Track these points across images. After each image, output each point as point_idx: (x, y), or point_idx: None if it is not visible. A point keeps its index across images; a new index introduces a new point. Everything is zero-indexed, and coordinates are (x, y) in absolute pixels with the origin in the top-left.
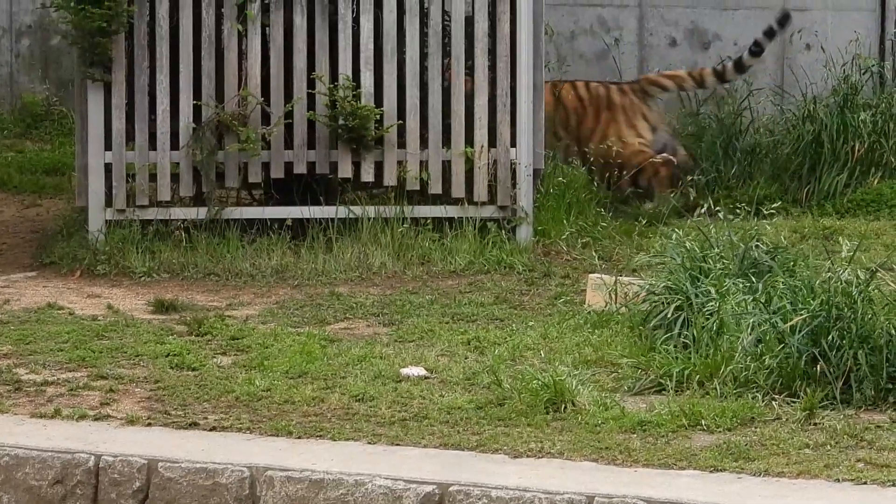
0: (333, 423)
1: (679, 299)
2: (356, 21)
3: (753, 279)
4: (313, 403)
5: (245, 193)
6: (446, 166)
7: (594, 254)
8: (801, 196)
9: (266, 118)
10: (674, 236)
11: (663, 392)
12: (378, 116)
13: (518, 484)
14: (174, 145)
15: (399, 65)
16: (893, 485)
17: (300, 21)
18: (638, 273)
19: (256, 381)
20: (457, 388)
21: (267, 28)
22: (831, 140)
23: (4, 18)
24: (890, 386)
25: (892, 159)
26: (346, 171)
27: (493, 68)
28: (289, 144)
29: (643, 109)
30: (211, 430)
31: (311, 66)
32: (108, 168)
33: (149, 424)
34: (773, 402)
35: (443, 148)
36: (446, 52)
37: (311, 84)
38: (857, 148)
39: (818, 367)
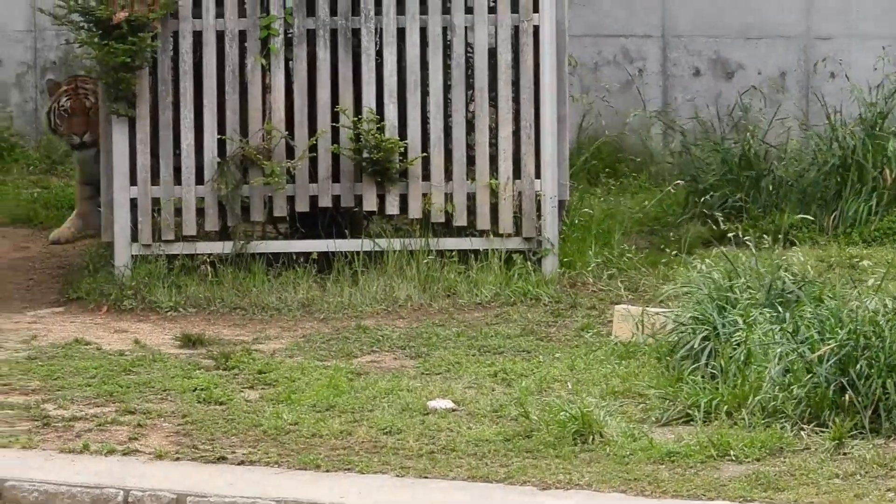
0: (361, 456)
1: (706, 329)
2: (379, 54)
3: (780, 309)
4: (341, 437)
5: (270, 227)
6: (471, 198)
7: (620, 285)
8: (827, 224)
9: (290, 152)
10: (700, 266)
11: (691, 423)
12: (402, 149)
13: None
14: (199, 180)
15: (423, 97)
16: None
17: (323, 54)
18: (664, 304)
19: (284, 414)
20: (484, 420)
21: (290, 62)
22: (858, 167)
23: (29, 55)
24: None
25: None
26: (370, 203)
27: (516, 100)
28: (313, 178)
29: None
30: (239, 464)
31: (334, 99)
32: (133, 203)
33: (177, 459)
34: (802, 432)
35: (467, 180)
36: (470, 85)
37: (334, 117)
38: (885, 175)
39: (846, 396)
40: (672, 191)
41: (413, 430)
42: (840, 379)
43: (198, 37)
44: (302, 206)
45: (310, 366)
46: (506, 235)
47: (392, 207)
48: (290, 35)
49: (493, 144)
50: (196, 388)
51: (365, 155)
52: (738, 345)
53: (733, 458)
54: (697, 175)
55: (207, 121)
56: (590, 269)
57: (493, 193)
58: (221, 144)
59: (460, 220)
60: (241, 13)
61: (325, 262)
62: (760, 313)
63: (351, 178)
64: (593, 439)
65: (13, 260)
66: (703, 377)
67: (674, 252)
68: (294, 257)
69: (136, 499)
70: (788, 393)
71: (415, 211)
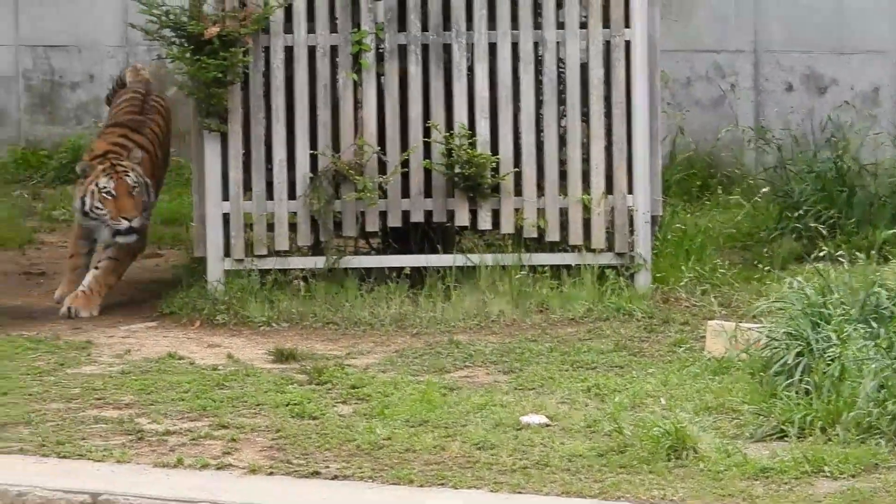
0: (455, 472)
1: (800, 345)
2: (471, 69)
3: (875, 325)
4: (434, 451)
5: (363, 242)
6: (563, 213)
7: (713, 300)
8: None
9: (382, 167)
10: (793, 282)
11: (785, 438)
12: (494, 164)
13: None
14: (291, 195)
15: (514, 112)
16: None
17: (415, 70)
18: (757, 319)
19: (377, 429)
20: (578, 435)
21: (382, 77)
22: None
23: (121, 70)
24: None
25: None
26: (463, 218)
27: (608, 115)
28: (405, 193)
29: None
30: (333, 478)
31: (426, 114)
32: (225, 218)
33: (271, 473)
34: None
35: (560, 195)
36: (561, 100)
37: (426, 132)
38: None
39: None
40: (759, 200)
41: (506, 445)
42: None
43: (289, 52)
44: (394, 221)
45: (403, 380)
46: (598, 251)
47: (484, 222)
48: (381, 50)
49: (585, 160)
50: (289, 403)
51: (457, 170)
52: (832, 360)
53: (828, 474)
54: (790, 191)
55: (299, 136)
56: (682, 284)
57: (586, 209)
58: (313, 159)
59: (553, 235)
60: (333, 28)
61: (417, 276)
62: (854, 329)
63: (443, 193)
64: (687, 455)
65: None
66: (796, 393)
67: (767, 267)
68: (386, 272)
69: None
70: (883, 409)
71: (507, 226)
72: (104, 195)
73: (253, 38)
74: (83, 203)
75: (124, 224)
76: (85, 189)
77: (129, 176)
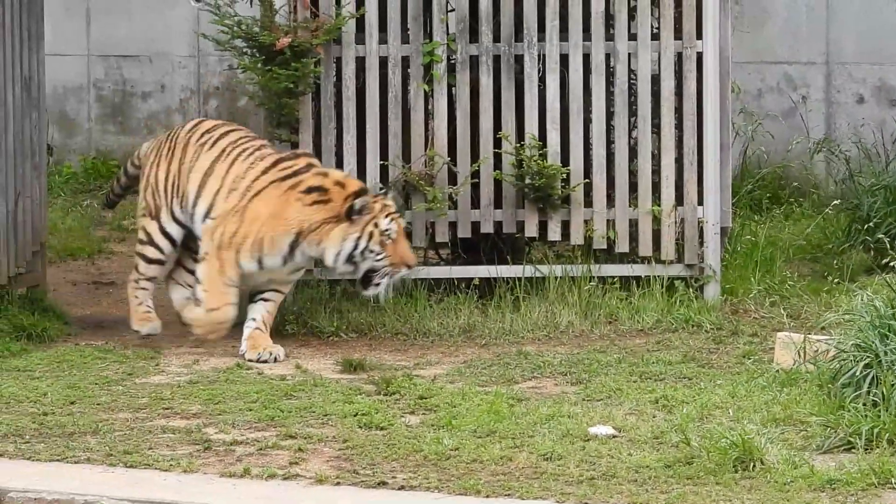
0: (521, 482)
1: (868, 357)
2: (542, 80)
3: None
4: (501, 462)
5: (432, 252)
6: (633, 224)
7: (782, 312)
8: None
9: (452, 178)
10: (862, 294)
11: (853, 450)
12: (564, 175)
13: None
14: None
15: (585, 124)
16: None
17: (486, 81)
18: (826, 331)
19: (444, 439)
20: (645, 446)
21: (453, 88)
22: None
23: (193, 80)
24: None
25: None
26: (532, 229)
27: (679, 127)
28: (475, 204)
29: None
30: (399, 489)
31: (496, 125)
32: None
33: (337, 483)
34: None
35: (629, 206)
36: (632, 111)
37: (497, 143)
38: None
39: None
40: (830, 212)
41: (573, 456)
42: None
43: (360, 62)
44: (464, 231)
45: (471, 391)
46: (668, 262)
47: (554, 233)
48: (452, 61)
49: (655, 171)
50: (357, 413)
51: (527, 181)
52: None
53: (895, 486)
54: (860, 203)
55: (370, 146)
56: (752, 296)
57: (656, 220)
58: (384, 170)
59: (622, 246)
60: (404, 39)
61: (486, 287)
62: None
63: (513, 203)
64: (754, 466)
65: None
66: (864, 405)
67: (836, 279)
68: (455, 283)
69: None
70: None
71: (577, 237)
72: (384, 238)
73: (324, 49)
74: (356, 245)
75: (404, 271)
76: (361, 229)
77: (402, 217)
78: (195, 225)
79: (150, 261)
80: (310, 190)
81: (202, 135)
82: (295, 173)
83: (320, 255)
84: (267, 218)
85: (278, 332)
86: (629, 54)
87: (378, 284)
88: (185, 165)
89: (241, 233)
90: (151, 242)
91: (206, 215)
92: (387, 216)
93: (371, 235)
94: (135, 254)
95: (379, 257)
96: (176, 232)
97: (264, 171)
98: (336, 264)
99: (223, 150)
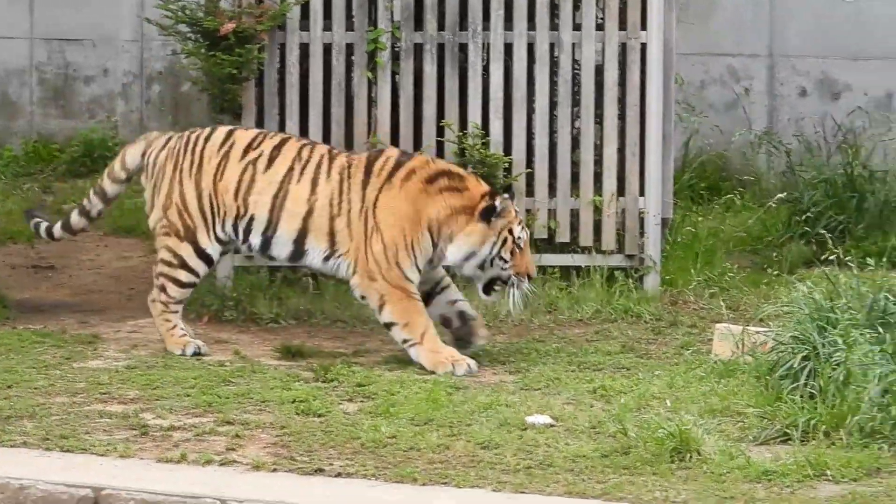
0: (458, 471)
1: (806, 349)
2: (486, 69)
3: (881, 330)
4: (438, 450)
5: None
6: (574, 215)
7: (721, 303)
8: None
9: None
10: (801, 286)
11: (789, 442)
12: (507, 164)
13: None
14: None
15: (528, 113)
16: None
17: (430, 69)
18: (765, 323)
19: (382, 427)
20: (582, 436)
21: (396, 76)
22: None
23: (136, 64)
24: None
25: None
26: None
27: (622, 117)
28: None
29: None
30: (336, 476)
31: (440, 113)
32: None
33: (274, 470)
34: None
35: (571, 196)
36: (575, 102)
37: (440, 132)
38: None
39: None
40: (773, 206)
41: (511, 444)
42: None
43: (304, 49)
44: None
45: (409, 379)
46: (608, 252)
47: None
48: (397, 49)
49: (598, 161)
50: (295, 400)
51: (469, 170)
52: (838, 365)
53: (830, 478)
54: (801, 195)
55: (312, 133)
56: (691, 287)
57: (597, 210)
58: None
59: (563, 236)
60: (349, 26)
61: None
62: (861, 334)
63: None
64: (691, 457)
65: (115, 269)
66: (801, 397)
67: (775, 272)
68: None
69: None
70: (887, 414)
71: None
72: (516, 246)
73: (269, 35)
74: (491, 249)
75: (526, 283)
76: (497, 234)
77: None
78: (304, 258)
79: (182, 285)
80: (435, 177)
81: (244, 149)
82: (396, 167)
83: (443, 251)
84: (402, 221)
85: (217, 318)
86: (573, 44)
87: (496, 292)
88: (227, 183)
89: (389, 246)
90: (184, 266)
91: (331, 254)
92: (518, 223)
93: (505, 242)
94: (159, 276)
95: (506, 266)
96: (216, 253)
97: (364, 185)
98: (463, 265)
99: (290, 168)
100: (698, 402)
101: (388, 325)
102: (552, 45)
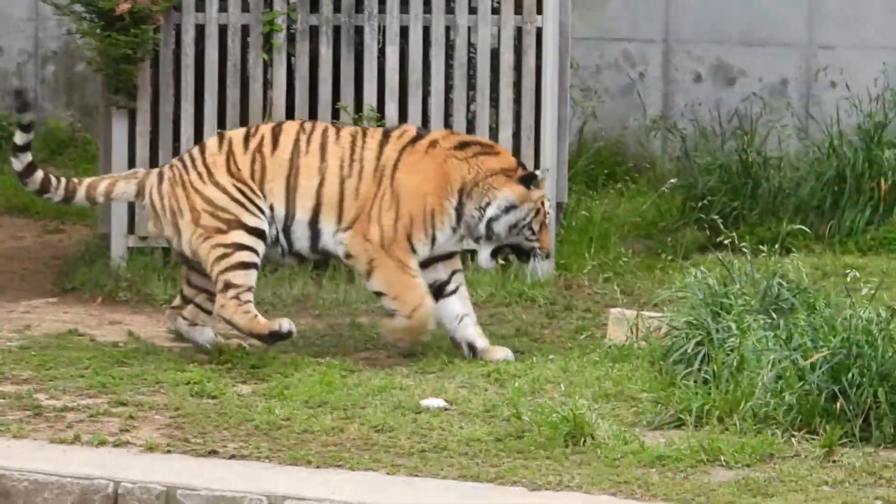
0: (352, 453)
1: (700, 334)
2: (382, 52)
3: (775, 316)
4: (332, 433)
5: None
6: None
7: (616, 288)
8: (823, 233)
9: None
10: (696, 272)
11: (683, 427)
12: None
13: None
14: None
15: (424, 96)
16: None
17: (325, 51)
18: (659, 308)
19: (276, 409)
20: (476, 419)
21: (292, 58)
22: (855, 177)
23: (30, 44)
24: None
25: None
26: None
27: (518, 101)
28: None
29: None
30: (230, 458)
31: (335, 96)
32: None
33: (168, 452)
34: (793, 439)
35: None
36: (471, 85)
37: (335, 114)
38: (881, 185)
39: (838, 404)
40: (668, 192)
41: (405, 428)
42: (832, 387)
43: (200, 30)
44: None
45: (303, 362)
46: None
47: None
48: (292, 31)
49: None
50: (189, 382)
51: None
52: (732, 350)
53: (723, 463)
54: (696, 181)
55: (208, 115)
56: (586, 271)
57: None
58: None
59: None
60: (245, 8)
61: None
62: (754, 319)
63: None
64: (585, 441)
65: (8, 249)
66: (695, 382)
67: (670, 257)
68: None
69: (126, 490)
70: (780, 399)
71: None
72: (544, 220)
73: (164, 16)
74: (527, 214)
75: (544, 257)
76: (534, 205)
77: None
78: (320, 241)
79: (246, 266)
80: (463, 145)
81: (243, 140)
82: (418, 136)
83: (479, 213)
84: (425, 186)
85: (111, 299)
86: (469, 28)
87: (497, 261)
88: (243, 172)
89: (403, 215)
90: (241, 247)
91: (338, 228)
92: (546, 201)
93: (537, 213)
94: (219, 277)
95: (532, 237)
96: (266, 226)
97: (382, 145)
98: (494, 223)
99: (296, 144)
100: (592, 387)
101: (378, 294)
102: (448, 29)
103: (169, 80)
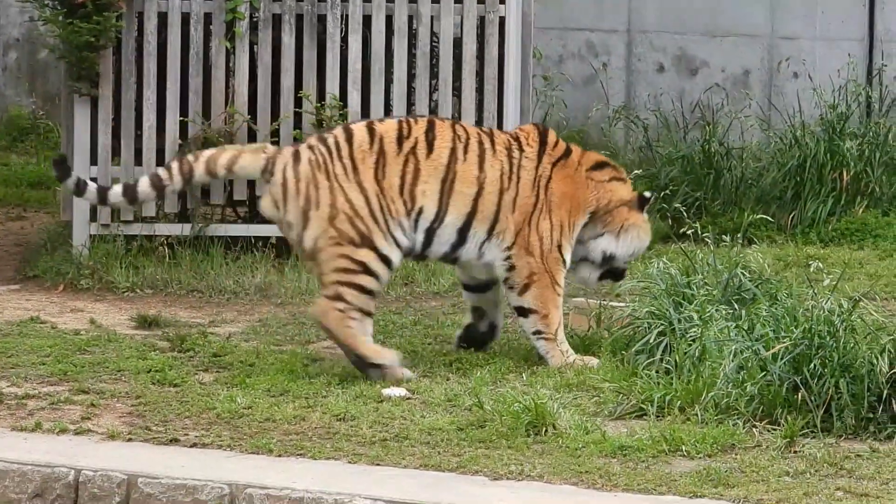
0: (314, 442)
1: (662, 325)
2: (344, 41)
3: (737, 306)
4: (294, 422)
5: (230, 210)
6: None
7: None
8: (785, 224)
9: (252, 136)
10: (658, 262)
11: (644, 417)
12: None
13: None
14: (160, 161)
15: (386, 85)
16: None
17: (288, 40)
18: (621, 298)
19: (238, 398)
20: (438, 409)
21: (255, 46)
22: (817, 168)
23: None
24: (871, 415)
25: (878, 189)
26: None
27: (480, 91)
28: None
29: None
30: (191, 446)
31: (298, 84)
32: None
33: (129, 440)
34: (754, 430)
35: None
36: (434, 74)
37: (298, 103)
38: (843, 176)
39: (799, 395)
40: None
41: (367, 417)
42: (793, 377)
43: (163, 18)
44: (262, 190)
45: (265, 350)
46: None
47: None
48: (255, 19)
49: None
50: (150, 370)
51: None
52: (694, 341)
53: (685, 453)
54: (658, 171)
55: (170, 102)
56: None
57: None
58: (184, 127)
59: None
60: None
61: (283, 246)
62: (716, 310)
63: None
64: (546, 431)
65: None
66: (657, 372)
67: None
68: (253, 241)
69: (87, 478)
70: (742, 390)
71: None
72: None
73: (126, 3)
74: (641, 249)
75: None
76: (638, 228)
77: None
78: (462, 248)
79: (364, 291)
80: (599, 166)
81: (396, 141)
82: (567, 152)
83: (600, 239)
84: (570, 200)
85: (72, 286)
86: (432, 17)
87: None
88: (390, 180)
89: (555, 225)
90: (367, 271)
91: (489, 238)
92: None
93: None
94: (335, 283)
95: (630, 261)
96: (397, 258)
97: (539, 156)
98: (616, 253)
99: (453, 151)
100: (554, 377)
101: (523, 311)
102: (411, 18)
103: (131, 67)
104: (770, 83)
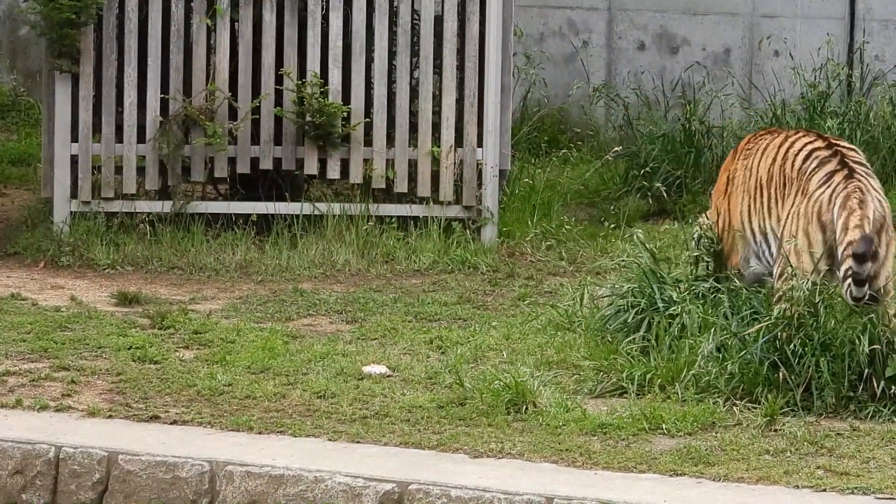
0: (294, 420)
1: (642, 303)
2: (325, 18)
3: (717, 285)
4: (274, 399)
5: (210, 188)
6: (412, 165)
7: (558, 255)
8: None
9: (233, 113)
10: (638, 240)
11: (624, 395)
12: (345, 114)
13: (478, 484)
14: (141, 138)
15: (367, 63)
16: (852, 492)
17: (269, 17)
18: (602, 276)
19: (218, 375)
20: (418, 386)
21: (236, 23)
22: None
23: None
24: (851, 394)
25: None
26: (312, 167)
27: (461, 68)
28: (255, 140)
29: None
30: (172, 423)
31: (279, 62)
32: (74, 159)
33: (110, 417)
34: (734, 408)
35: (409, 147)
36: (415, 52)
37: (279, 80)
38: None
39: (780, 373)
40: (610, 160)
41: (347, 394)
42: (774, 356)
43: None
44: (243, 167)
45: (246, 327)
46: (446, 203)
47: (333, 172)
48: None
49: (437, 112)
50: (131, 347)
51: (307, 119)
52: (673, 317)
53: (665, 431)
54: (639, 150)
55: (151, 79)
56: (528, 239)
57: (435, 161)
58: (164, 104)
59: (401, 186)
60: None
61: (264, 224)
62: (696, 289)
63: (293, 141)
64: (526, 409)
65: None
66: (637, 350)
67: (612, 225)
68: (233, 219)
69: (67, 455)
70: (722, 368)
71: (355, 176)
72: None
73: None
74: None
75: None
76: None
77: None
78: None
79: None
80: None
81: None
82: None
83: None
84: None
85: (53, 263)
86: None
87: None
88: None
89: None
90: None
91: None
92: None
93: None
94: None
95: None
96: None
97: None
98: None
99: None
100: (534, 354)
101: None
102: None
103: (112, 44)
104: (751, 62)
